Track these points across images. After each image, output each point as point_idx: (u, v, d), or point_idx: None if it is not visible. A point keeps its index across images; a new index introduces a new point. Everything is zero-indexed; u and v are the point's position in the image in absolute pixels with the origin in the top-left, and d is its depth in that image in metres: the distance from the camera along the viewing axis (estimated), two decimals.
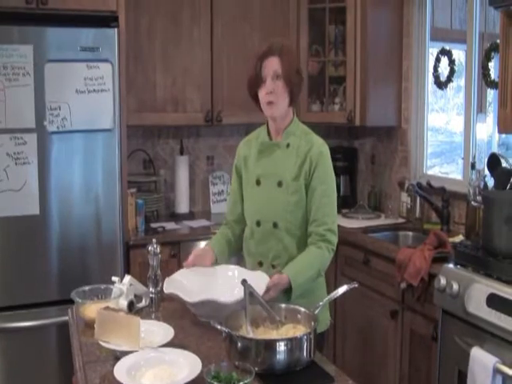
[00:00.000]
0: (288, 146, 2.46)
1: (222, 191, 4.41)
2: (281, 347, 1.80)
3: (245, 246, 2.60)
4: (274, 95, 2.38)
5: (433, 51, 4.10)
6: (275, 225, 2.43)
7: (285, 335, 1.93)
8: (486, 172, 3.31)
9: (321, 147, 2.46)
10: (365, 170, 4.72)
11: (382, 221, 4.15)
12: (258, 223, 2.47)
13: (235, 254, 2.66)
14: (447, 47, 3.93)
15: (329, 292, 2.16)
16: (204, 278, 2.38)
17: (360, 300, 3.58)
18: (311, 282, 2.38)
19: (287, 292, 2.28)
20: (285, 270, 2.32)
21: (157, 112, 3.98)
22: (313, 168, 2.41)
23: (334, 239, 2.42)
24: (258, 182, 2.49)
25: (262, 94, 2.41)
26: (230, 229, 2.65)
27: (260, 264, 2.48)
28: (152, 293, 2.38)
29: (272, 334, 1.96)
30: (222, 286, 2.33)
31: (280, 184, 2.43)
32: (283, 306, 2.09)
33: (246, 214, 2.56)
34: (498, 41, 3.02)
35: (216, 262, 2.49)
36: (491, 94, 3.82)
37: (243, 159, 2.58)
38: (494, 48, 3.44)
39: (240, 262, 2.63)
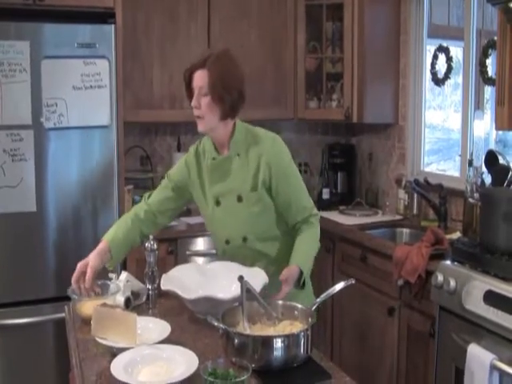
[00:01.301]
0: (238, 155, 2.37)
1: None
2: (278, 344, 1.80)
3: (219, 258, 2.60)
4: (199, 110, 2.30)
5: (430, 48, 4.09)
6: (244, 239, 2.41)
7: (282, 332, 1.93)
8: (484, 169, 3.32)
9: (270, 147, 2.37)
10: (362, 167, 4.71)
11: (380, 218, 4.15)
12: (227, 241, 2.45)
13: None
14: (445, 44, 3.93)
15: (326, 288, 2.16)
16: (201, 274, 2.38)
17: (357, 297, 3.58)
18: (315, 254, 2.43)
19: (298, 280, 2.31)
20: (291, 260, 2.32)
21: (154, 109, 3.98)
22: (272, 172, 2.34)
23: (316, 210, 2.47)
24: (217, 203, 2.41)
25: None
26: (148, 214, 2.49)
27: None
28: (149, 289, 2.37)
29: (269, 331, 1.96)
30: (219, 282, 2.32)
31: (240, 199, 2.37)
32: (280, 302, 2.08)
33: (212, 234, 2.57)
34: (496, 38, 3.02)
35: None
36: (489, 91, 3.81)
37: (195, 176, 2.47)
38: (492, 45, 3.44)
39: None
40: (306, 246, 2.41)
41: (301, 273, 2.30)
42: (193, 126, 4.34)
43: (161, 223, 2.57)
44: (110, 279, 2.33)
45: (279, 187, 2.37)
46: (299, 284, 2.32)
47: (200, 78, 2.26)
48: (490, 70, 3.49)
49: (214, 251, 3.76)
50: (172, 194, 2.52)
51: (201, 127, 2.35)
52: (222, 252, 2.51)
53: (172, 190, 2.52)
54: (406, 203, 4.10)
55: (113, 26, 3.46)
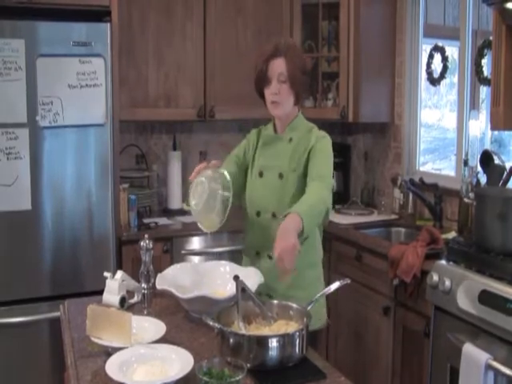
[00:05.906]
0: (290, 140, 2.51)
1: None
2: (273, 343, 1.80)
3: (244, 236, 2.62)
4: (278, 96, 2.43)
5: (426, 48, 4.10)
6: (274, 215, 2.44)
7: (277, 331, 1.93)
8: (479, 168, 3.32)
9: (320, 140, 2.47)
10: (358, 167, 4.72)
11: (375, 217, 4.15)
12: (258, 213, 2.50)
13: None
14: (440, 44, 3.93)
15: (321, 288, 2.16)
16: (196, 273, 2.38)
17: (352, 296, 3.59)
18: (321, 218, 2.28)
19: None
20: (292, 209, 2.15)
21: (149, 107, 3.97)
22: (311, 152, 2.42)
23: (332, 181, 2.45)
24: (260, 174, 2.53)
25: (268, 94, 2.46)
26: None
27: (257, 254, 2.51)
28: (144, 288, 2.36)
29: (264, 331, 1.96)
30: (215, 281, 2.32)
31: (281, 176, 2.48)
32: (275, 302, 2.09)
33: (247, 204, 2.58)
34: (491, 38, 3.02)
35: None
36: (484, 91, 3.82)
37: (252, 147, 2.61)
38: (487, 45, 3.45)
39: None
40: (311, 198, 2.26)
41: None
42: (188, 125, 4.39)
43: None
44: (106, 278, 2.33)
45: (311, 159, 2.42)
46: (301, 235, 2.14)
47: (279, 65, 2.40)
48: (486, 70, 3.50)
49: (209, 250, 3.79)
50: (235, 167, 2.57)
51: (278, 111, 2.47)
52: (251, 225, 2.54)
53: (235, 163, 2.60)
54: (402, 202, 4.11)
55: (108, 24, 3.45)
